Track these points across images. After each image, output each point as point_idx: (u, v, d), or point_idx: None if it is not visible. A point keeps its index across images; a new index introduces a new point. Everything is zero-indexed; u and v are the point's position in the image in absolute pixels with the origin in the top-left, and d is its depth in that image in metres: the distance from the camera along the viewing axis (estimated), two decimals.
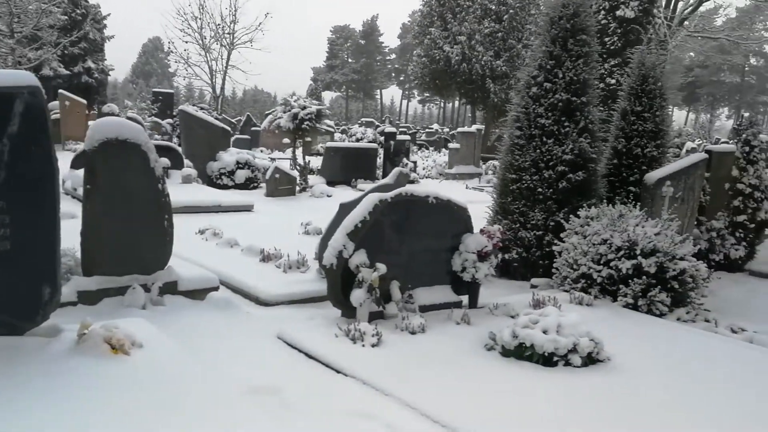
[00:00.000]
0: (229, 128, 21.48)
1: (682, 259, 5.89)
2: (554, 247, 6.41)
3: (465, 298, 5.50)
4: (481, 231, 5.44)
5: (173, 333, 4.25)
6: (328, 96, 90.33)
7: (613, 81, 18.26)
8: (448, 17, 26.24)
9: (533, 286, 6.76)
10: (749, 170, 8.07)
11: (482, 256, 5.36)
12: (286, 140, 22.84)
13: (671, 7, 31.58)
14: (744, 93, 70.43)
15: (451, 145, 18.80)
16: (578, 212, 6.47)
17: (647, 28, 18.93)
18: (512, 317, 5.01)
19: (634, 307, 5.73)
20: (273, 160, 17.42)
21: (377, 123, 39.77)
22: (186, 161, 12.74)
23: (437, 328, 4.74)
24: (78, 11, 32.04)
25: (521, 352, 4.36)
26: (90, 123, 6.49)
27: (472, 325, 4.89)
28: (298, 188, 13.55)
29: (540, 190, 6.96)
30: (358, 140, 23.42)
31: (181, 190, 10.84)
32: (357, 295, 4.67)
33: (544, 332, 4.39)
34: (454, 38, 26.05)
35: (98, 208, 4.72)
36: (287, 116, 13.05)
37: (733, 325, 5.59)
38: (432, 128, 39.77)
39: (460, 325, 4.87)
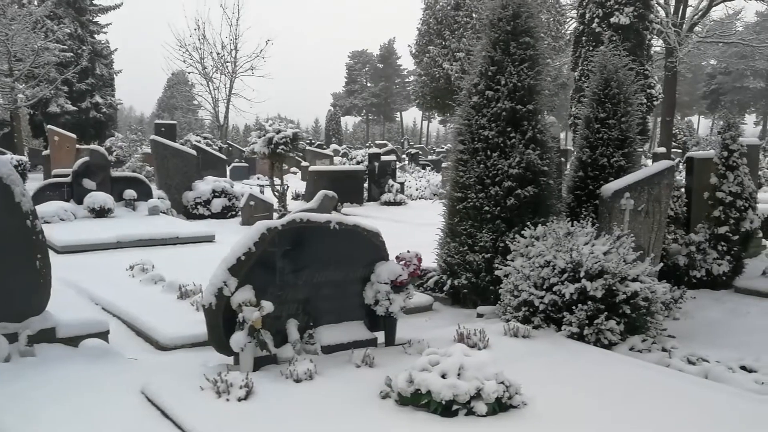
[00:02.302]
0: (224, 156, 21.26)
1: (634, 280, 5.22)
2: (497, 272, 5.78)
3: (382, 335, 4.90)
4: (397, 258, 4.85)
5: (15, 392, 3.74)
6: (351, 121, 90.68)
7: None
8: (446, 34, 25.78)
9: (479, 315, 6.13)
10: (729, 177, 7.34)
11: (397, 287, 4.77)
12: (284, 166, 22.56)
13: (680, 14, 30.78)
14: None
15: (444, 165, 18.21)
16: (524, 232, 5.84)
17: (644, 34, 18.27)
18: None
19: (580, 337, 5.07)
20: (262, 186, 17.05)
21: (390, 145, 39.42)
22: (159, 192, 12.40)
23: (331, 373, 4.15)
24: (84, 47, 32.38)
25: (418, 400, 3.75)
26: None
27: (376, 367, 4.28)
28: (276, 215, 13.08)
29: (487, 208, 6.35)
30: (358, 163, 22.94)
31: (142, 222, 10.47)
32: (236, 339, 4.11)
33: (443, 376, 3.78)
34: (453, 55, 25.58)
35: None
36: (262, 141, 12.61)
37: (691, 355, 4.87)
38: (443, 148, 39.22)
39: (361, 369, 4.26)
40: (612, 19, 17.73)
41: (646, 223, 6.45)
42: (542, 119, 6.46)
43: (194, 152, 13.39)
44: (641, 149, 21.39)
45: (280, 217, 12.67)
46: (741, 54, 56.42)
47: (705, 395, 4.02)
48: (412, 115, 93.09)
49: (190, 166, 13.07)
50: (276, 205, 13.15)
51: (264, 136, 12.77)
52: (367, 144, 39.35)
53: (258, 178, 21.88)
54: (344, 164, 23.36)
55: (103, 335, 4.85)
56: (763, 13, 61.36)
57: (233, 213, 13.08)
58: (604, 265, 5.14)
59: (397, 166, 26.88)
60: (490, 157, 6.34)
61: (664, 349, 5.07)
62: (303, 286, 4.54)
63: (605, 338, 5.05)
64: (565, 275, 5.24)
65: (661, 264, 5.92)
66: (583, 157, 7.38)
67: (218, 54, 29.67)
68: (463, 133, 6.51)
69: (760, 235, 9.00)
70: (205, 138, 26.97)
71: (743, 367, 4.64)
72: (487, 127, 6.35)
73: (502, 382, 3.80)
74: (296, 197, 15.49)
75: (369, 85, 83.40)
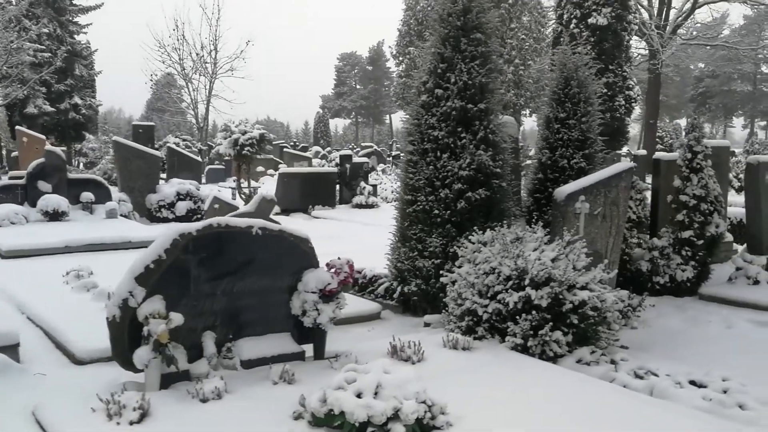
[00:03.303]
0: (198, 158, 20.92)
1: (583, 288, 4.94)
2: (442, 279, 5.48)
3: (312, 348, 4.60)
4: (327, 265, 4.54)
5: None
6: (341, 123, 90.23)
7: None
8: (427, 35, 25.47)
9: (426, 324, 5.84)
10: (693, 179, 7.08)
11: (326, 296, 4.47)
12: (260, 168, 22.24)
13: (663, 16, 30.69)
14: (757, 101, 68.83)
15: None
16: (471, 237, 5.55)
17: (622, 35, 18.05)
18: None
19: (525, 349, 4.78)
20: (234, 189, 16.71)
21: (376, 147, 39.11)
22: (120, 195, 12.06)
23: (244, 391, 3.83)
24: (63, 47, 31.87)
25: (331, 421, 3.45)
26: None
27: (295, 384, 3.97)
28: None
29: (437, 212, 6.06)
30: (336, 165, 22.63)
31: (96, 226, 10.12)
32: (140, 355, 3.79)
33: (358, 395, 3.47)
34: None
35: None
36: (227, 142, 12.32)
37: (640, 369, 4.59)
38: None
39: (278, 386, 3.95)
40: (590, 20, 17.47)
41: (603, 227, 6.18)
42: (495, 119, 6.17)
43: (158, 154, 13.05)
44: (619, 151, 21.21)
45: None
46: (728, 57, 56.51)
47: (647, 413, 3.73)
48: (401, 117, 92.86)
49: (154, 168, 12.72)
50: (243, 208, 12.83)
51: (230, 137, 12.46)
52: (350, 146, 39.08)
53: (234, 181, 21.51)
54: (323, 166, 23.05)
55: (12, 349, 4.51)
56: (750, 17, 61.63)
57: (199, 216, 12.73)
58: (551, 273, 4.86)
59: (380, 168, 26.68)
60: (440, 158, 6.05)
61: (613, 362, 4.79)
62: (222, 296, 4.23)
63: (551, 350, 4.76)
64: (510, 283, 4.95)
65: (616, 271, 5.65)
66: (543, 158, 7.12)
67: (197, 54, 29.26)
68: (413, 134, 6.23)
69: (731, 239, 8.78)
70: (184, 140, 26.56)
71: (692, 382, 4.36)
72: (436, 127, 6.06)
73: (424, 402, 3.50)
74: None
75: (358, 87, 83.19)
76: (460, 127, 6.04)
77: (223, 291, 4.23)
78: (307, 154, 26.10)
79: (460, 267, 5.44)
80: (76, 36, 34.27)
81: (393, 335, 4.62)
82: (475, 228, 5.57)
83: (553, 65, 7.38)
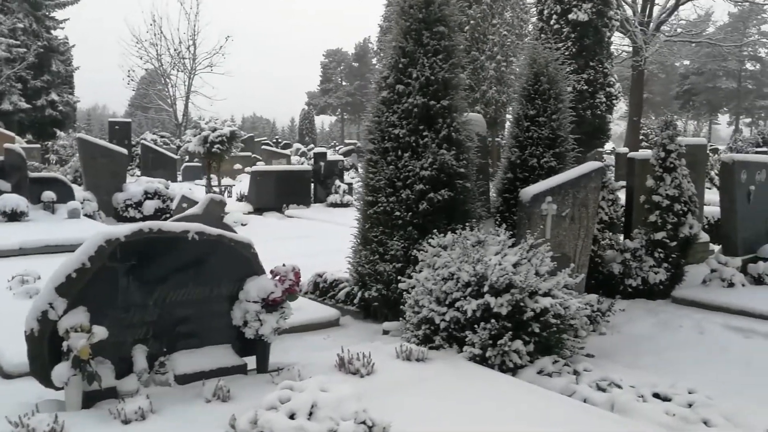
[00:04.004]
0: (174, 155, 20.51)
1: (546, 294, 4.69)
2: (400, 285, 5.21)
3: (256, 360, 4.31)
4: (271, 272, 4.26)
5: None
6: (327, 120, 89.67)
7: (570, 89, 17.21)
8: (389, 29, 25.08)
9: (385, 332, 5.57)
10: (666, 179, 6.85)
11: (269, 305, 4.18)
12: (238, 166, 21.88)
13: (647, 12, 30.58)
14: (742, 98, 69.20)
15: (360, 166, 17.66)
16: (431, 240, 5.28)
17: (603, 31, 17.88)
18: None
19: (483, 360, 4.52)
20: (210, 186, 16.35)
21: (360, 144, 38.74)
22: (85, 194, 11.70)
23: (173, 410, 3.54)
24: (39, 43, 31.31)
25: None
26: None
27: (230, 401, 3.69)
28: None
29: (398, 213, 5.79)
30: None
31: (56, 226, 9.76)
32: (59, 372, 3.49)
33: (291, 417, 3.20)
34: None
35: None
36: (197, 140, 11.98)
37: (603, 380, 4.34)
38: None
39: (211, 403, 3.66)
40: (570, 16, 17.29)
41: (571, 229, 5.94)
42: (459, 116, 5.91)
43: (124, 151, 12.66)
44: (601, 148, 21.07)
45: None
46: (713, 54, 56.70)
47: (602, 431, 3.49)
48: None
49: (121, 165, 12.36)
50: (189, 210, 12.49)
51: (199, 134, 12.12)
52: (333, 143, 38.74)
53: (213, 178, 21.10)
54: (302, 164, 22.71)
55: None
56: (735, 14, 61.87)
57: (167, 215, 12.39)
58: (512, 279, 4.60)
59: (360, 166, 26.35)
60: (401, 157, 5.78)
61: (576, 372, 4.54)
62: (154, 306, 3.94)
63: (510, 361, 4.51)
64: (469, 290, 4.70)
65: (583, 275, 5.41)
66: (512, 157, 6.88)
67: (175, 50, 28.77)
68: (373, 132, 5.95)
69: (707, 239, 8.57)
70: (162, 137, 26.12)
71: (656, 395, 4.12)
72: (397, 124, 5.79)
73: (363, 422, 3.24)
74: (240, 198, 14.81)
75: (344, 84, 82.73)
76: (423, 124, 5.77)
77: (156, 301, 3.94)
78: (287, 151, 25.73)
79: (419, 272, 5.18)
80: (52, 31, 33.70)
81: (342, 346, 4.34)
82: (434, 231, 5.31)
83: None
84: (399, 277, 5.39)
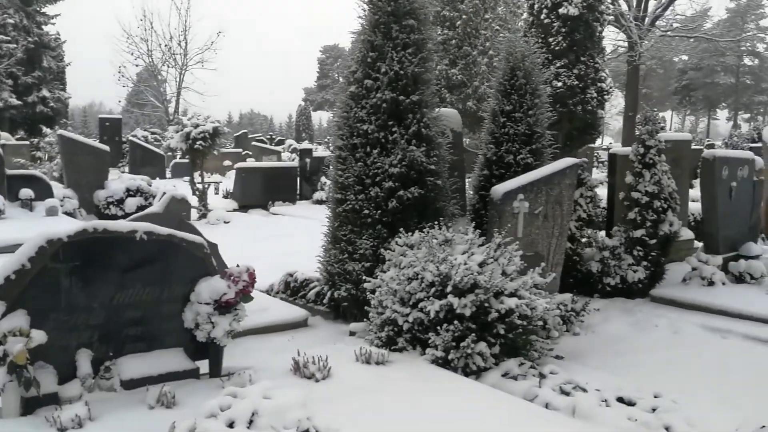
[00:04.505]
0: (162, 152, 20.34)
1: (512, 295, 4.56)
2: (365, 285, 5.08)
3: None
4: (224, 273, 4.12)
5: None
6: (325, 116, 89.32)
7: (560, 84, 17.03)
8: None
9: (352, 333, 5.44)
10: (645, 175, 6.72)
11: (222, 307, 4.05)
12: (227, 162, 21.72)
13: (642, 7, 30.41)
14: (740, 94, 69.09)
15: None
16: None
17: (594, 26, 17.70)
18: None
19: (446, 362, 4.39)
20: (194, 184, 16.18)
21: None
22: (66, 191, 11.55)
23: (113, 417, 3.41)
24: (30, 39, 31.10)
25: None
26: None
27: (175, 407, 3.55)
28: (196, 214, 12.30)
29: (367, 211, 5.65)
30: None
31: (32, 224, 9.58)
32: None
33: (231, 425, 3.07)
34: None
35: None
36: (179, 136, 11.81)
37: (568, 383, 4.21)
38: None
39: (155, 410, 3.53)
40: (560, 10, 17.04)
41: (545, 227, 5.80)
42: (429, 112, 5.77)
43: (107, 148, 12.50)
44: (593, 145, 20.88)
45: (200, 217, 11.89)
46: (711, 50, 56.51)
47: None
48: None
49: (103, 162, 12.20)
50: (196, 204, 12.38)
51: (181, 131, 11.97)
52: (327, 139, 38.55)
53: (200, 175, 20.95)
54: (293, 160, 22.54)
55: None
56: (733, 9, 61.67)
57: None
58: (477, 279, 4.47)
59: None
60: (369, 154, 5.64)
61: (542, 375, 4.40)
62: (100, 309, 3.81)
63: (474, 363, 4.38)
64: (433, 290, 4.57)
65: (554, 274, 5.28)
66: (488, 153, 6.74)
67: (166, 45, 28.55)
68: (342, 128, 5.81)
69: (691, 236, 8.44)
70: (153, 133, 25.95)
71: (621, 399, 3.99)
72: (366, 120, 5.65)
73: (307, 430, 3.11)
74: (226, 195, 14.68)
75: (341, 79, 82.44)
76: (392, 120, 5.63)
77: (102, 303, 3.80)
78: (278, 147, 25.56)
79: (386, 271, 5.05)
80: (44, 27, 33.45)
81: (298, 350, 4.20)
82: (401, 230, 5.17)
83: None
84: (365, 277, 5.25)
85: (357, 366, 4.26)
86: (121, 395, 3.72)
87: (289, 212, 13.33)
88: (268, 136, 38.44)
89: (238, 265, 4.15)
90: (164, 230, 3.98)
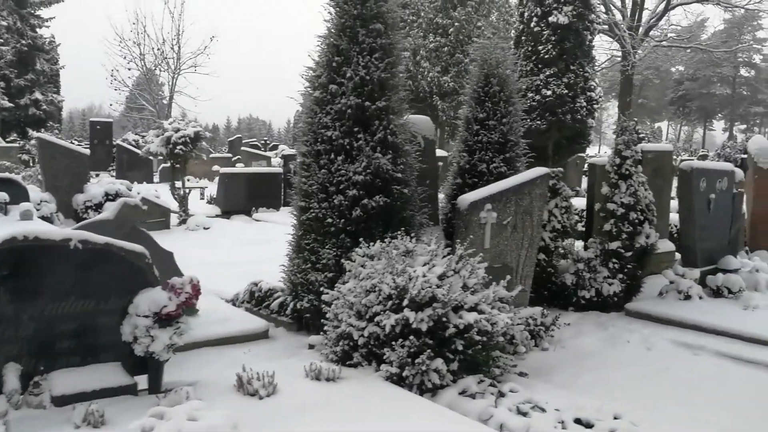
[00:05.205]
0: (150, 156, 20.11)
1: (472, 309, 4.38)
2: (323, 296, 4.90)
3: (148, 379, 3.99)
4: (165, 284, 3.94)
5: None
6: None
7: (549, 92, 16.90)
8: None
9: (311, 346, 5.25)
10: (621, 186, 6.55)
11: (163, 320, 3.86)
12: (216, 167, 21.54)
13: (635, 17, 30.38)
14: (736, 105, 69.14)
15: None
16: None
17: (584, 34, 17.60)
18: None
19: (401, 379, 4.21)
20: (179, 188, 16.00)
21: None
22: (44, 195, 11.36)
23: None
24: (24, 41, 30.98)
25: None
26: None
27: (103, 426, 3.36)
28: (177, 220, 12.12)
29: (330, 220, 5.47)
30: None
31: (2, 228, 9.41)
32: None
33: None
34: None
35: None
36: (159, 140, 11.64)
37: (527, 402, 4.03)
38: None
39: (81, 429, 3.34)
40: (550, 19, 16.97)
41: (514, 238, 5.63)
42: (397, 118, 5.60)
43: (87, 152, 12.33)
44: (582, 154, 20.72)
45: (180, 223, 11.69)
46: (707, 60, 56.56)
47: None
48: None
49: (83, 166, 12.02)
50: (176, 209, 12.20)
51: (162, 135, 11.81)
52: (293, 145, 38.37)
53: (188, 180, 20.78)
54: (280, 165, 22.38)
55: None
56: (730, 20, 61.72)
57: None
58: (435, 292, 4.30)
59: None
60: (334, 161, 5.47)
61: (501, 393, 4.23)
62: (30, 321, 3.63)
63: (430, 380, 4.20)
64: (390, 303, 4.39)
65: (521, 286, 5.09)
66: (461, 162, 6.58)
67: (159, 50, 28.42)
68: (306, 133, 5.64)
69: (672, 248, 8.27)
70: (143, 137, 25.76)
71: (578, 420, 3.81)
72: (330, 126, 5.48)
73: None
74: (210, 201, 14.50)
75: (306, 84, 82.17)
76: (357, 126, 5.46)
77: (32, 315, 3.62)
78: (270, 153, 25.39)
79: (346, 283, 4.87)
80: (38, 29, 33.34)
81: (243, 365, 4.02)
82: (362, 239, 5.00)
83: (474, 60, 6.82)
84: (324, 289, 5.07)
85: (306, 382, 4.08)
86: (50, 412, 3.53)
87: (272, 219, 13.15)
88: (263, 141, 38.28)
89: (182, 276, 3.97)
90: (101, 239, 3.81)
